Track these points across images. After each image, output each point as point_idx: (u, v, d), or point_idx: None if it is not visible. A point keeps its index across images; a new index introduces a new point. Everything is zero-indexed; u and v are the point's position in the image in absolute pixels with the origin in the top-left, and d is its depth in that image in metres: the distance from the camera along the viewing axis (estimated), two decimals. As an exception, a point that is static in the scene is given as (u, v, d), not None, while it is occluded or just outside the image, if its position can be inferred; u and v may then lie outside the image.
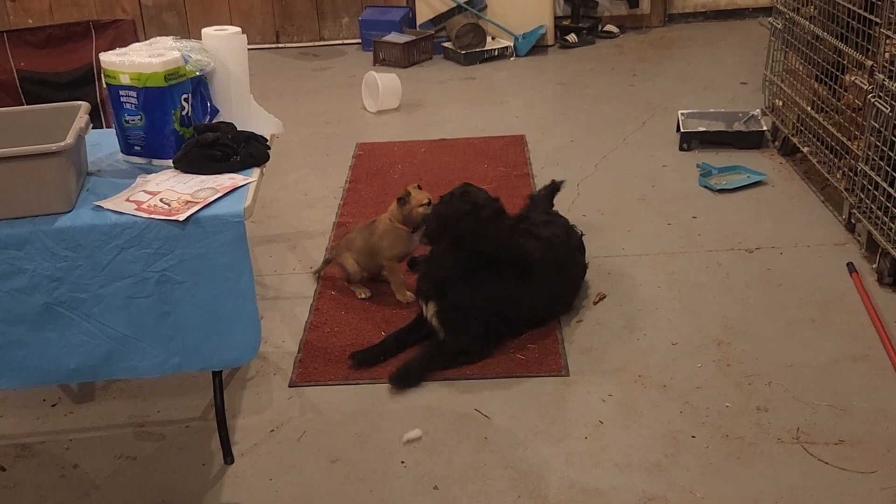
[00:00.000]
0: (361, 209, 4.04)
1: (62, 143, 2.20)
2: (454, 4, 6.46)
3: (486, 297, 2.97)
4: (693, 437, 2.58)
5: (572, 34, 6.59)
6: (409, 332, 3.08)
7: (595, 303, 3.25)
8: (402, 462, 2.55)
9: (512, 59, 6.37)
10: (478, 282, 2.96)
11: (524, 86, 5.81)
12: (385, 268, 3.31)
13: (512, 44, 6.40)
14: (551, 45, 6.58)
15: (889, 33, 3.16)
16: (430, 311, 3.00)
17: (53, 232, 2.23)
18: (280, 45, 6.96)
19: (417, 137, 4.91)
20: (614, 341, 3.04)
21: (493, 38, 6.46)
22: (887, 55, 3.20)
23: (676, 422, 2.64)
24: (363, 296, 3.35)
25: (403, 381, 2.85)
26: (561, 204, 3.97)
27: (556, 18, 6.68)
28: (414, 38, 6.35)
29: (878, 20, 3.29)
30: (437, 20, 6.53)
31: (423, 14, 6.59)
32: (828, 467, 2.44)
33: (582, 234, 3.37)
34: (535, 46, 6.43)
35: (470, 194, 3.00)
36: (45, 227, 2.23)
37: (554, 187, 3.75)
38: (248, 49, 2.73)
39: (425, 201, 3.18)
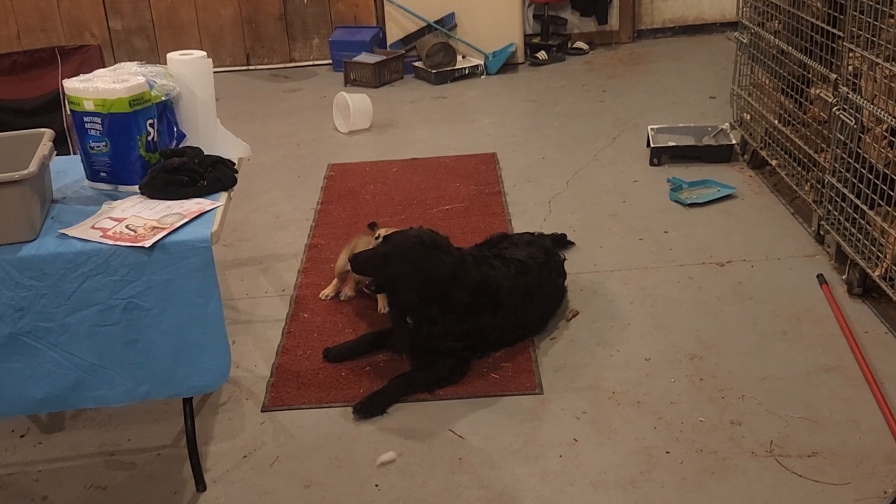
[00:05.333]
0: (333, 230, 4.03)
1: (25, 172, 2.17)
2: (424, 24, 6.48)
3: (460, 334, 2.95)
4: (667, 452, 2.58)
5: (542, 52, 6.62)
6: (385, 336, 3.12)
7: (568, 319, 3.25)
8: (377, 485, 2.53)
9: (482, 77, 6.40)
10: (452, 320, 2.93)
11: (495, 104, 5.83)
12: None
13: (482, 62, 6.43)
14: (521, 63, 6.62)
15: (852, 46, 3.20)
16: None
17: (17, 261, 2.20)
18: (251, 67, 6.94)
19: (389, 157, 4.91)
20: (588, 358, 3.04)
21: (463, 57, 6.47)
22: (850, 68, 3.24)
23: (650, 438, 2.64)
24: (346, 296, 3.42)
25: (368, 411, 2.81)
26: (533, 222, 3.98)
27: (526, 36, 6.72)
28: (384, 58, 6.36)
29: (840, 34, 3.33)
30: (408, 40, 6.55)
31: (394, 34, 6.61)
32: (801, 480, 2.45)
33: (564, 259, 3.37)
34: (506, 64, 6.46)
35: (408, 232, 2.99)
36: (9, 257, 2.20)
37: (561, 241, 3.74)
38: (219, 71, 2.74)
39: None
